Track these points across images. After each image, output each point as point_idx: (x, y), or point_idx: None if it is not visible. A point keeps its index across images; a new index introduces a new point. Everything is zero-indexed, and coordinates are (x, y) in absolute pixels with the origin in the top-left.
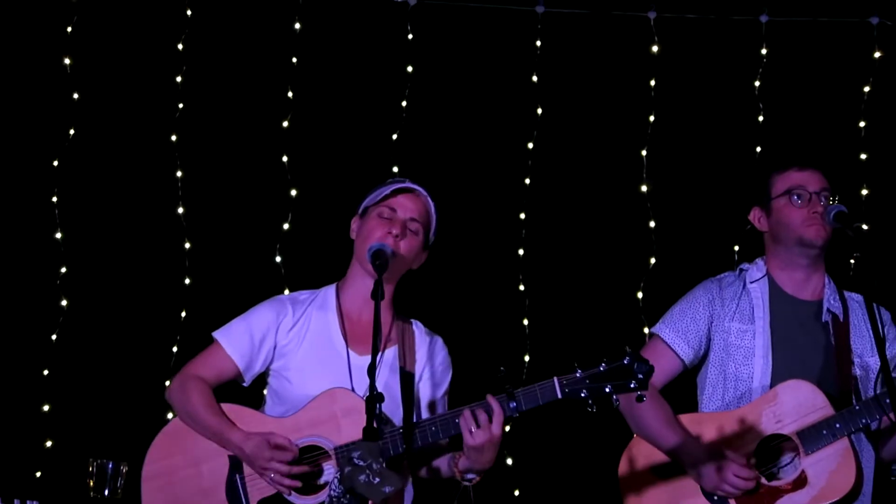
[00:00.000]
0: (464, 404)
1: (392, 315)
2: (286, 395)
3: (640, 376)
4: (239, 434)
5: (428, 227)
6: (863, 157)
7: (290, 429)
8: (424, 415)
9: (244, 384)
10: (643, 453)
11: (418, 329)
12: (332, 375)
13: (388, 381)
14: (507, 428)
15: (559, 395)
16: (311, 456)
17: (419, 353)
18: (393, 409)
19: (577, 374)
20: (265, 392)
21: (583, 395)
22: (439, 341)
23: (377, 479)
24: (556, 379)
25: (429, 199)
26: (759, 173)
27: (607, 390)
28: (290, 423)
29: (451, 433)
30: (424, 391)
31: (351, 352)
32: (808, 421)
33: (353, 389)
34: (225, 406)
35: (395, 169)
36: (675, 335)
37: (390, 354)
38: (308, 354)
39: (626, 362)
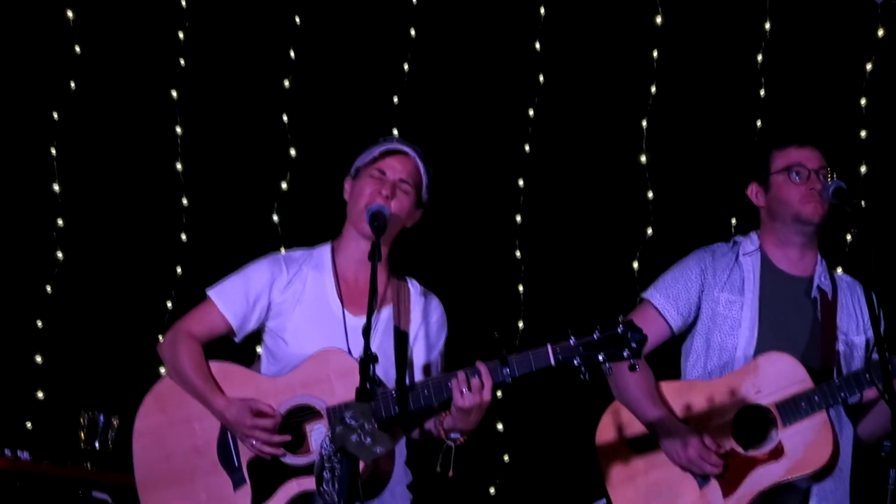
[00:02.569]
0: (456, 369)
1: (387, 275)
2: (281, 356)
3: (634, 345)
4: (222, 400)
5: (419, 186)
6: (863, 134)
7: (283, 389)
8: (419, 375)
9: (236, 340)
10: (623, 418)
11: (414, 288)
12: (328, 336)
13: (382, 341)
14: (499, 394)
15: (552, 363)
16: (302, 416)
17: (414, 312)
18: (388, 369)
19: (571, 342)
20: (258, 349)
21: (576, 362)
22: (434, 300)
23: (368, 440)
24: (549, 346)
25: (419, 157)
26: (757, 149)
27: (600, 358)
28: (283, 382)
29: (444, 397)
30: (419, 351)
31: (347, 313)
32: (788, 393)
33: (349, 350)
34: (217, 364)
35: (396, 132)
36: (665, 302)
37: (385, 314)
38: (304, 315)
39: (619, 331)
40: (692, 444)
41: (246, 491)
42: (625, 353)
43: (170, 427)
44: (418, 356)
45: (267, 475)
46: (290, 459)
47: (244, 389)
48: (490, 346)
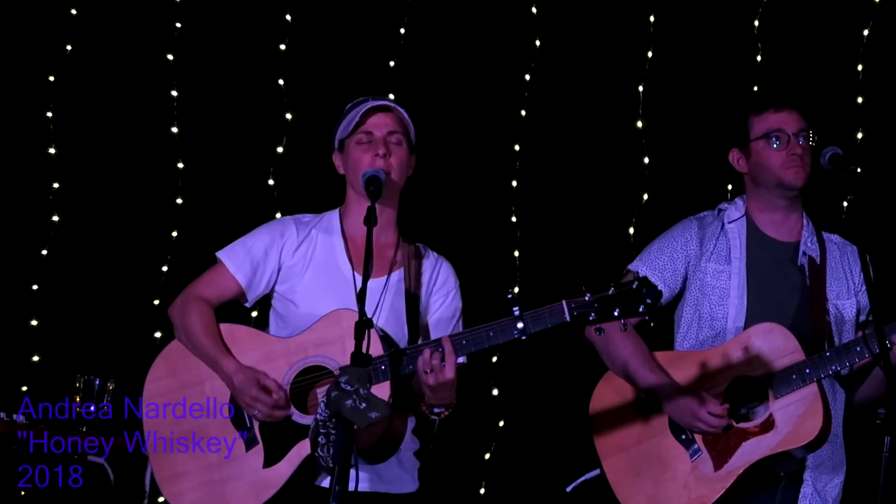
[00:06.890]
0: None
1: (398, 238)
2: (291, 318)
3: (649, 301)
4: (232, 364)
5: (408, 132)
6: (859, 100)
7: (295, 349)
8: (434, 335)
9: (247, 304)
10: (616, 389)
11: (426, 252)
12: (339, 298)
13: (394, 303)
14: (494, 359)
15: (567, 318)
16: (315, 376)
17: (425, 276)
18: (400, 331)
19: (586, 298)
20: (269, 315)
21: (591, 318)
22: (446, 264)
23: (363, 405)
24: (564, 302)
25: (397, 106)
26: (735, 114)
27: (616, 314)
28: (295, 343)
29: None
30: (432, 314)
31: (357, 275)
32: (779, 365)
33: None
34: (227, 326)
35: (392, 96)
36: (651, 273)
37: (396, 277)
38: (314, 278)
39: (635, 287)
40: (709, 403)
41: (258, 451)
42: (640, 309)
43: (180, 389)
44: (431, 319)
45: (280, 435)
46: (303, 419)
47: (254, 350)
48: (506, 303)
